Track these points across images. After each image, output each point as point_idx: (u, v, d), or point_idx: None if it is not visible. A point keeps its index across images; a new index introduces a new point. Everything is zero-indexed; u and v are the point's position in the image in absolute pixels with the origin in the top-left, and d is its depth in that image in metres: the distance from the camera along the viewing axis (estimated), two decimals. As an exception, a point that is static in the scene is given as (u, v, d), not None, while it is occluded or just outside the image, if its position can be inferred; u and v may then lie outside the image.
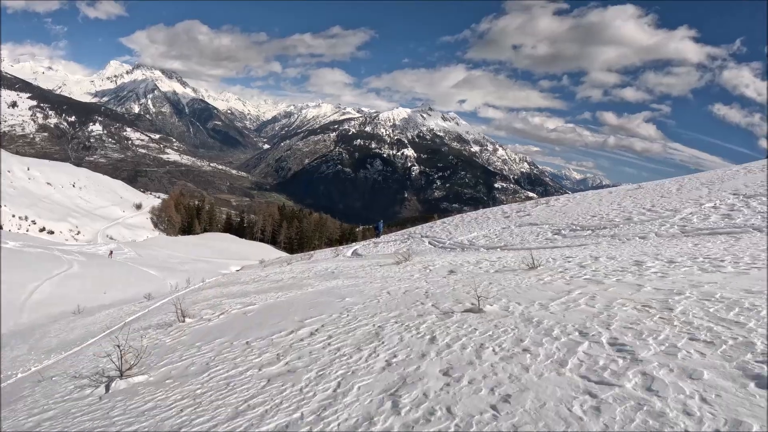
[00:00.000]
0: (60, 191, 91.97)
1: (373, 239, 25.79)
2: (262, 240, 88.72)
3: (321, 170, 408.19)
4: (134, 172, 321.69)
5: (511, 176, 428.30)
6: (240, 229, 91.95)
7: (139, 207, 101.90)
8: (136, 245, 57.26)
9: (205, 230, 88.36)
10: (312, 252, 31.61)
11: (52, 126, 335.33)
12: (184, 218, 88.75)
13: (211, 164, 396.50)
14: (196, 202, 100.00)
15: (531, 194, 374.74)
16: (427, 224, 24.49)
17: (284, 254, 72.50)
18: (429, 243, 16.80)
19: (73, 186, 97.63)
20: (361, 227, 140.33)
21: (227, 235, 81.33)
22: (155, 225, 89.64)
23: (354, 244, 28.20)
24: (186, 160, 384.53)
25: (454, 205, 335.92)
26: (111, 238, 72.81)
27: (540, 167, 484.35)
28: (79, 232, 76.31)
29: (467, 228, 18.50)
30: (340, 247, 27.40)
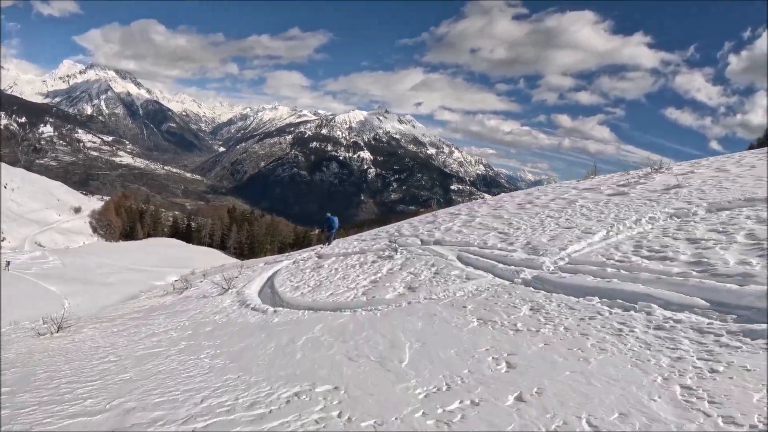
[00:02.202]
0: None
1: (319, 247, 18.20)
2: (210, 245, 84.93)
3: (277, 173, 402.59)
4: (86, 176, 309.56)
5: (468, 178, 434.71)
6: (187, 234, 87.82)
7: (78, 211, 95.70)
8: (64, 253, 52.95)
9: (149, 235, 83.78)
10: (255, 260, 29.19)
11: (1, 127, 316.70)
12: (126, 222, 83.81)
13: (165, 167, 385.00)
14: (141, 205, 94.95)
15: (487, 196, 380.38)
16: (404, 221, 19.10)
17: (232, 260, 69.44)
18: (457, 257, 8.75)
19: (5, 187, 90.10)
20: (317, 230, 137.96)
21: (172, 240, 77.29)
22: (95, 230, 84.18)
23: (292, 254, 20.86)
24: (139, 163, 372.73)
25: (410, 207, 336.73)
26: (40, 245, 67.43)
27: (496, 169, 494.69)
28: (3, 239, 70.03)
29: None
30: (271, 258, 20.91)
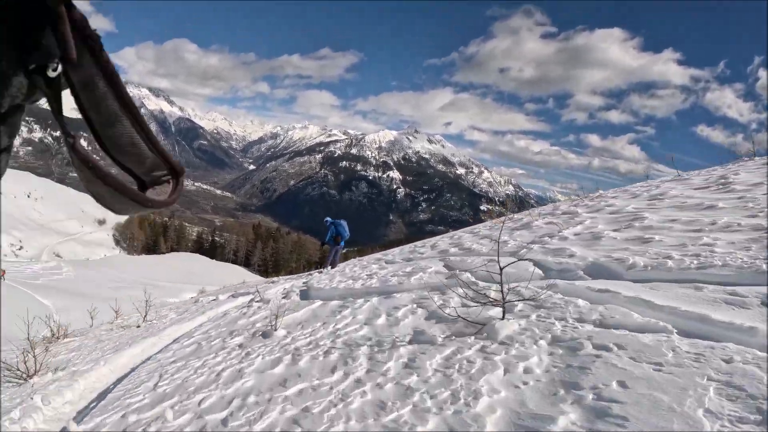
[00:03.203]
0: (10, 201, 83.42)
1: (322, 270, 11.41)
2: (234, 261, 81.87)
3: (306, 192, 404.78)
4: None
5: (497, 198, 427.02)
6: (211, 249, 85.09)
7: (102, 223, 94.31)
8: (80, 265, 50.12)
9: (172, 250, 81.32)
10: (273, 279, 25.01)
11: (36, 140, 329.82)
12: (149, 236, 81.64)
13: (196, 184, 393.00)
14: (165, 219, 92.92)
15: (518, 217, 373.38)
16: (455, 232, 13.06)
17: (256, 277, 65.91)
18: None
19: (28, 196, 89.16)
20: (345, 249, 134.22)
21: (195, 255, 74.32)
22: (117, 243, 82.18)
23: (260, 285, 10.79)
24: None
25: (439, 227, 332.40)
26: (57, 255, 65.06)
27: (525, 189, 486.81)
28: (21, 248, 67.99)
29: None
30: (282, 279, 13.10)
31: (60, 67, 0.50)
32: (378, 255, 11.24)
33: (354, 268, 8.83)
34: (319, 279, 8.11)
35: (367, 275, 7.17)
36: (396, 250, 11.65)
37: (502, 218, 9.48)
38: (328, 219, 12.62)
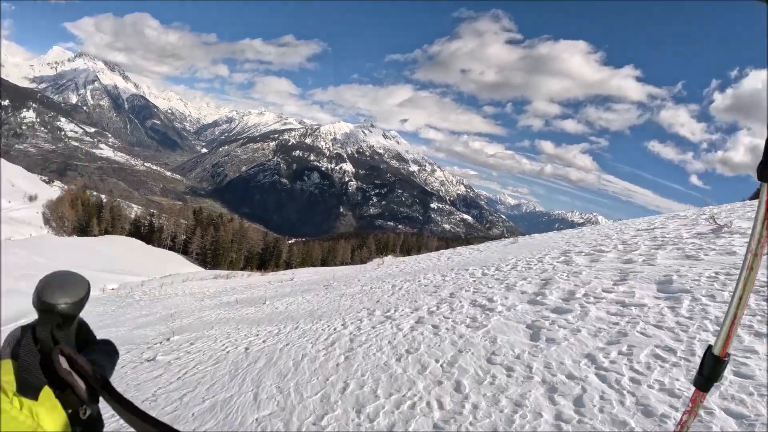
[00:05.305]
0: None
1: None
2: (172, 248, 79.42)
3: (258, 179, 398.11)
4: (64, 165, 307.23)
5: (448, 198, 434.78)
6: (149, 234, 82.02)
7: (33, 199, 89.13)
8: (-4, 245, 47.19)
9: (106, 232, 77.83)
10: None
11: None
12: (81, 217, 77.71)
13: (146, 164, 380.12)
14: (102, 197, 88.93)
15: (466, 216, 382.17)
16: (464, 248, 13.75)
17: (195, 268, 64.12)
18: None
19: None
20: (292, 240, 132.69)
21: (130, 239, 71.44)
22: (46, 222, 77.85)
23: None
24: (120, 157, 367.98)
25: (389, 223, 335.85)
26: (-28, 234, 60.76)
27: (476, 191, 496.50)
28: None
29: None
30: None
31: (88, 411, 0.59)
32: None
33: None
34: None
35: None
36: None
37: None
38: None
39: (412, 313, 6.40)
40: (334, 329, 6.36)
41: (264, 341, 6.59)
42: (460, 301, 6.42)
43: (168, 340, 7.86)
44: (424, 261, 13.63)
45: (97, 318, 13.02)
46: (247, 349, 6.34)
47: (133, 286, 28.24)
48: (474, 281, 7.76)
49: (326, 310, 8.08)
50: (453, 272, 9.26)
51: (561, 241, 10.37)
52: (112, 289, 33.38)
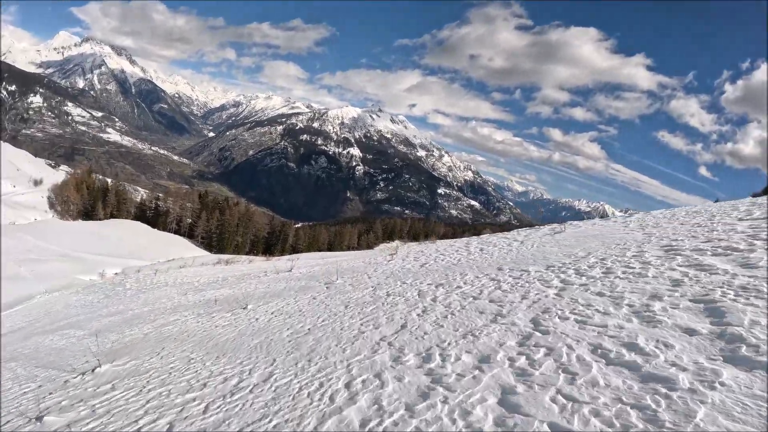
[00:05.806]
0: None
1: None
2: (177, 231, 79.11)
3: (265, 163, 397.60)
4: (71, 150, 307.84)
5: (455, 183, 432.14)
6: (155, 218, 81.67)
7: (38, 183, 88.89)
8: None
9: (111, 216, 77.49)
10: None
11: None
12: (87, 201, 77.31)
13: (153, 148, 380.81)
14: (108, 181, 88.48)
15: (473, 202, 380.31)
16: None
17: (200, 252, 63.88)
18: None
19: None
20: (299, 224, 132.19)
21: (136, 223, 71.08)
22: (51, 206, 77.55)
23: None
24: (127, 141, 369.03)
25: (396, 208, 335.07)
26: (-24, 218, 60.46)
27: (484, 177, 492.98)
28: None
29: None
30: None
31: None
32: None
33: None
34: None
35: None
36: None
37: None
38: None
39: (475, 369, 3.55)
40: (332, 399, 3.55)
41: (204, 413, 3.80)
42: (567, 345, 3.67)
43: (93, 371, 5.97)
44: (450, 253, 11.07)
45: (79, 309, 12.25)
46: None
47: (130, 273, 27.66)
48: (557, 295, 5.21)
49: (321, 335, 5.55)
50: (505, 274, 7.02)
51: (623, 230, 8.97)
52: (115, 274, 32.91)
